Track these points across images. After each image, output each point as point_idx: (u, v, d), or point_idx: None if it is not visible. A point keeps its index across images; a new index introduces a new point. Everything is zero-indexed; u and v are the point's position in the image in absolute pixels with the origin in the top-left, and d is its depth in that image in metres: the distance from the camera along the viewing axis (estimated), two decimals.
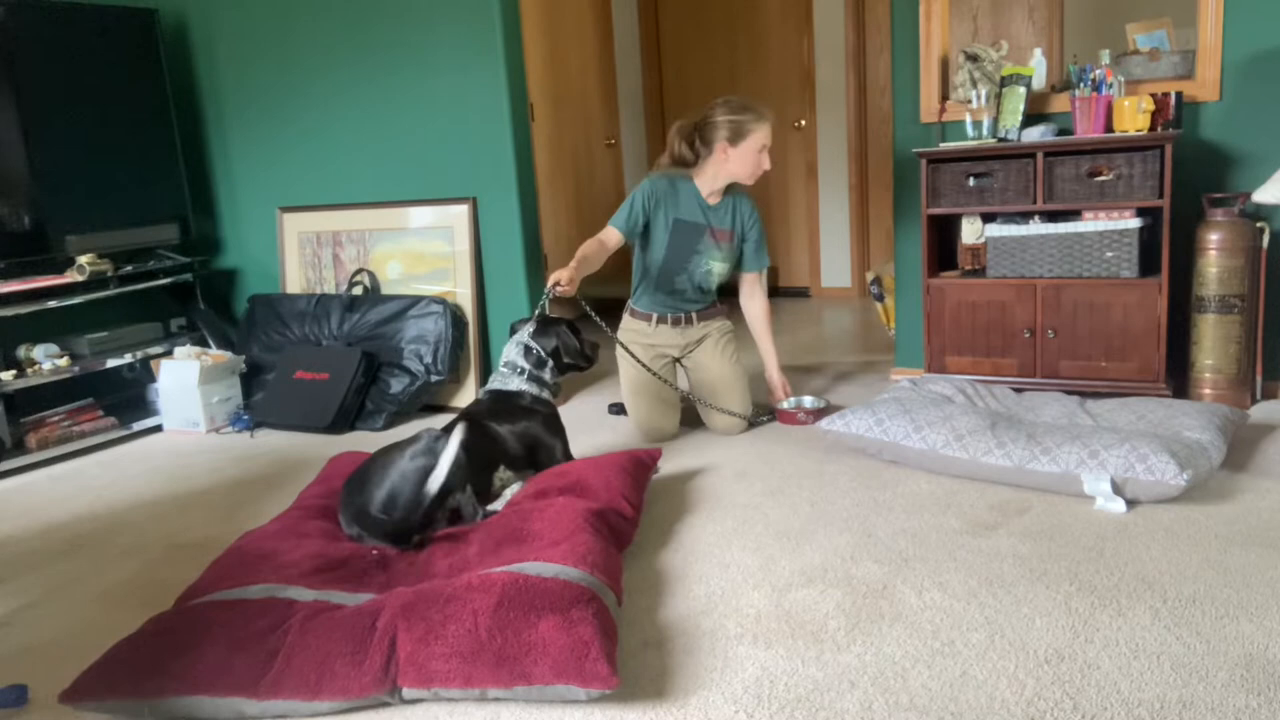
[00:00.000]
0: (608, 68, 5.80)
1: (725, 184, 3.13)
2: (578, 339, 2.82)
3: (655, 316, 3.21)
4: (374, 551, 2.18)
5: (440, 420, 3.59)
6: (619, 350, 3.18)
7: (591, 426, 3.36)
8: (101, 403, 3.85)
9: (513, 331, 2.83)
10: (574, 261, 2.84)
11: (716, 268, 3.17)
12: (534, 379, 2.70)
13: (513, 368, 2.71)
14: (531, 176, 3.75)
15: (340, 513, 2.31)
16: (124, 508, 2.92)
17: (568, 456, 2.70)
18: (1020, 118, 3.18)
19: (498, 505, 2.40)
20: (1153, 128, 3.01)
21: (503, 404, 2.66)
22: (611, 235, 3.07)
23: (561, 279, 2.73)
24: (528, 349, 2.72)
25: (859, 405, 2.85)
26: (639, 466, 2.50)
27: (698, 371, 3.23)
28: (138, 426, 3.77)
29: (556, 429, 2.71)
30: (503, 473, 2.54)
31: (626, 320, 3.28)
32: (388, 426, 3.57)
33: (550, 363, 2.74)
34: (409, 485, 2.21)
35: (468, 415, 2.63)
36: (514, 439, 2.60)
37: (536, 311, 2.81)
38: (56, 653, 1.99)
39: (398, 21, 3.74)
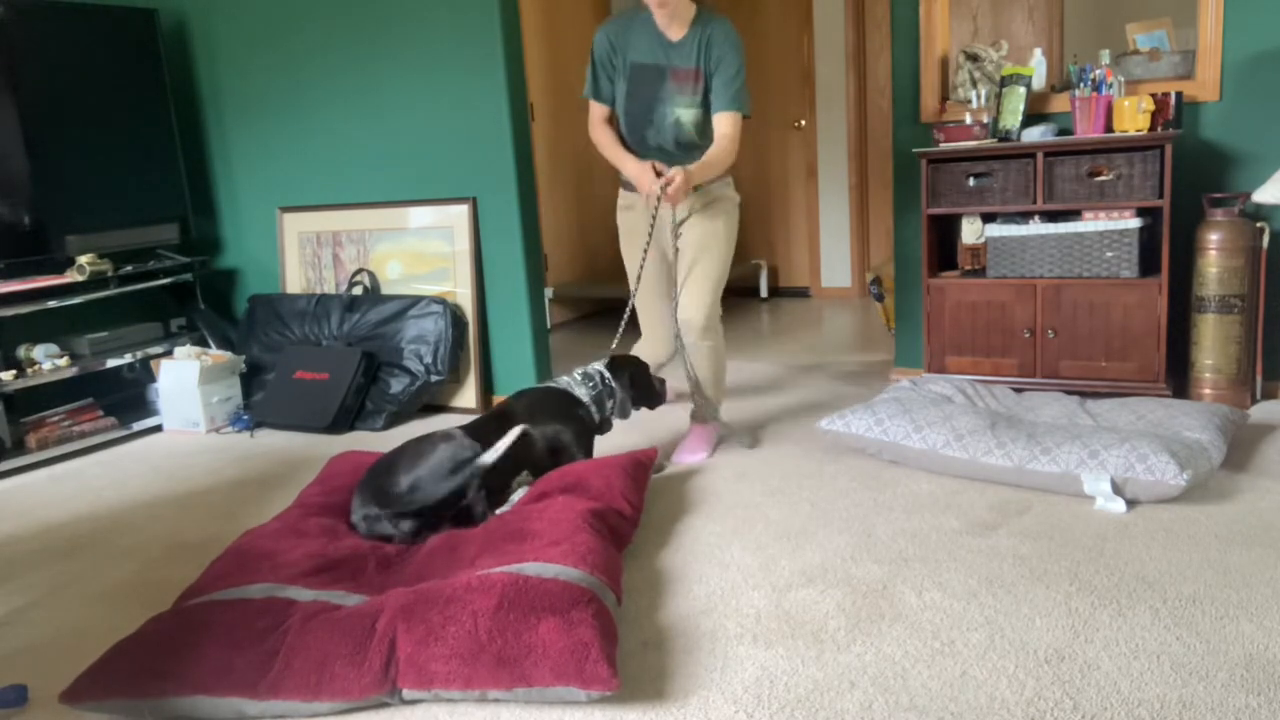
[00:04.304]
0: None
1: (683, 10, 2.67)
2: (647, 380, 2.85)
3: None
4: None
5: (440, 421, 3.59)
6: (619, 221, 2.95)
7: None
8: (101, 403, 3.85)
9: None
10: (617, 160, 2.74)
11: (684, 116, 2.72)
12: (596, 400, 2.72)
13: (586, 379, 2.73)
14: (531, 176, 3.75)
15: (356, 493, 2.33)
16: (124, 508, 2.92)
17: None
18: (1020, 118, 3.18)
19: (506, 508, 2.40)
20: (1153, 128, 3.01)
21: (552, 400, 2.66)
22: (596, 111, 2.81)
23: (661, 178, 2.58)
24: (601, 376, 2.75)
25: (859, 405, 2.85)
26: (638, 467, 2.50)
27: (681, 249, 2.84)
28: (138, 426, 3.77)
29: (587, 444, 2.70)
30: (523, 477, 2.53)
31: (621, 195, 2.96)
32: (388, 426, 3.57)
33: (616, 396, 2.75)
34: (434, 481, 2.26)
35: (509, 410, 2.61)
36: (544, 441, 2.59)
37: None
38: (56, 653, 1.99)
39: (398, 21, 3.74)
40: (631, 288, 2.94)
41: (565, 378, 2.76)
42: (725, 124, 2.71)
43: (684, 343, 2.88)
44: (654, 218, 2.79)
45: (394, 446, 2.46)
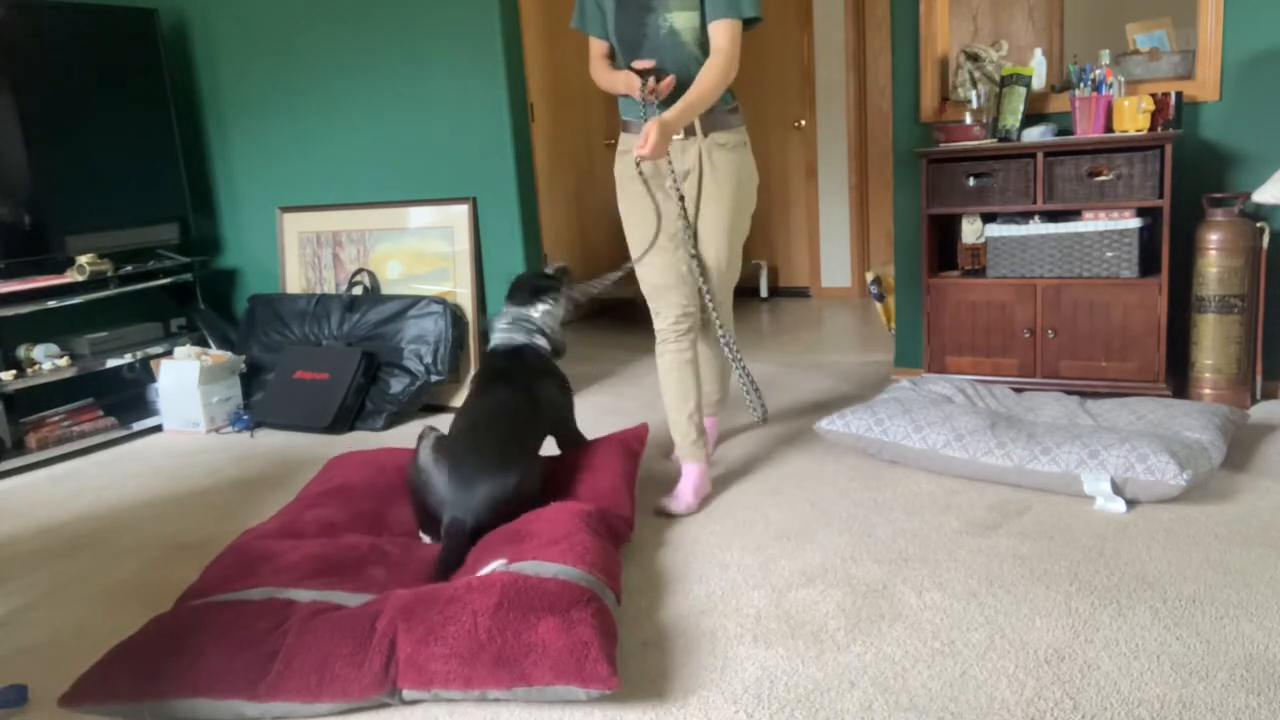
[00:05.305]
0: None
1: None
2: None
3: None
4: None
5: (441, 421, 3.59)
6: (617, 170, 2.66)
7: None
8: (101, 403, 3.85)
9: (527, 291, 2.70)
10: (610, 82, 2.48)
11: (679, 21, 2.42)
12: (540, 332, 2.63)
13: (526, 325, 2.60)
14: (531, 176, 3.75)
15: (448, 470, 2.24)
16: (124, 508, 2.92)
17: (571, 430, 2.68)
18: (1020, 118, 3.18)
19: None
20: (1153, 128, 3.01)
21: (534, 373, 2.53)
22: (594, 47, 2.57)
23: (653, 83, 2.35)
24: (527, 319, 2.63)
25: (859, 405, 2.85)
26: (629, 456, 2.50)
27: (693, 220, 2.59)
28: (138, 426, 3.77)
29: (566, 386, 2.66)
30: None
31: (621, 140, 2.65)
32: (388, 426, 3.57)
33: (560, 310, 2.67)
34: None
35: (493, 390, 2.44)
36: (552, 415, 2.54)
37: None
38: (56, 653, 1.99)
39: (399, 21, 3.74)
40: (633, 253, 2.66)
41: (520, 331, 2.59)
42: (720, 35, 2.39)
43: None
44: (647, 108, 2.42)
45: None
